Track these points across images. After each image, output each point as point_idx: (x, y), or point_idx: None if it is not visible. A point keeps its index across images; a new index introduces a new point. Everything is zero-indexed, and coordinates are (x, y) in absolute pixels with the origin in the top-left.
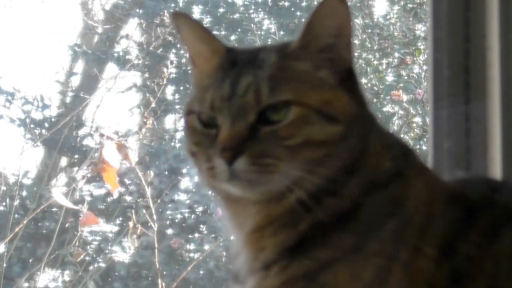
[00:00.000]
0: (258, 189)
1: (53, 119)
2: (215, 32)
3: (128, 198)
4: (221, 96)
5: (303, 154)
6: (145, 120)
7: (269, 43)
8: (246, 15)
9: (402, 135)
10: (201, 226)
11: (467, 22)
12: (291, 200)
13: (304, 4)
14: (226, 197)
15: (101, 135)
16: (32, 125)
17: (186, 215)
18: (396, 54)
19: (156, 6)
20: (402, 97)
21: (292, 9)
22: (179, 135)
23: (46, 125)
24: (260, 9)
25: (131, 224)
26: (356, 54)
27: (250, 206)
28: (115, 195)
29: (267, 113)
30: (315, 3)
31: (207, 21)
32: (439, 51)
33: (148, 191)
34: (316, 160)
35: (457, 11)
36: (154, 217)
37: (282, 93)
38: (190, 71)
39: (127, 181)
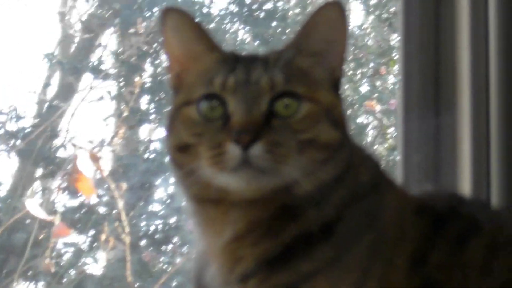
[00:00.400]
0: (264, 181)
1: (27, 130)
2: None
3: (101, 209)
4: (235, 80)
5: (309, 152)
6: (118, 130)
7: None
8: (222, 25)
9: (376, 146)
10: (174, 238)
11: (437, 35)
12: (279, 204)
13: (279, 14)
14: (207, 200)
15: (74, 146)
16: (6, 136)
17: (159, 227)
18: (371, 64)
19: (132, 15)
20: (375, 107)
21: (268, 19)
22: (153, 146)
23: (21, 135)
24: (235, 19)
25: (103, 236)
26: None
27: (233, 211)
28: (92, 201)
29: (277, 107)
30: (290, 13)
31: None
32: (410, 64)
33: (121, 202)
34: (317, 162)
35: (428, 24)
36: (127, 229)
37: (296, 85)
38: (170, 75)
39: (100, 192)
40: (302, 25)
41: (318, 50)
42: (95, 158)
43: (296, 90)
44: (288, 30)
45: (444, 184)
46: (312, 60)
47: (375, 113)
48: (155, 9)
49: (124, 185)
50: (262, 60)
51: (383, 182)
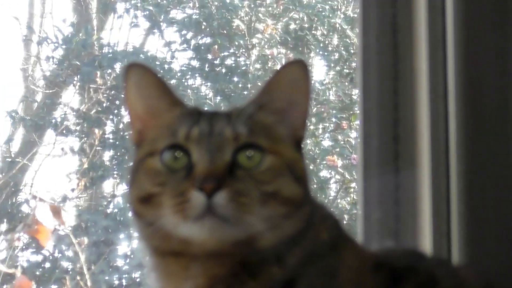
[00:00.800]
0: (226, 231)
1: None
2: None
3: (64, 264)
4: (200, 131)
5: (271, 205)
6: (80, 184)
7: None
8: (183, 80)
9: (338, 200)
10: None
11: (396, 92)
12: (240, 259)
13: (241, 69)
14: (168, 253)
15: (34, 197)
16: None
17: (124, 281)
18: (333, 119)
19: (92, 72)
20: (337, 162)
21: (229, 74)
22: (116, 200)
23: None
24: (196, 75)
25: None
26: None
27: (193, 265)
28: (54, 254)
29: (241, 158)
30: (251, 68)
31: None
32: (369, 122)
33: (82, 257)
34: (279, 216)
35: (386, 80)
36: (89, 283)
37: (259, 137)
38: (132, 131)
39: (63, 247)
40: (266, 82)
41: (280, 109)
42: (55, 210)
43: (259, 142)
44: (249, 86)
45: (405, 241)
46: (274, 117)
47: (336, 168)
48: (116, 65)
49: (86, 240)
50: (225, 114)
51: (342, 240)
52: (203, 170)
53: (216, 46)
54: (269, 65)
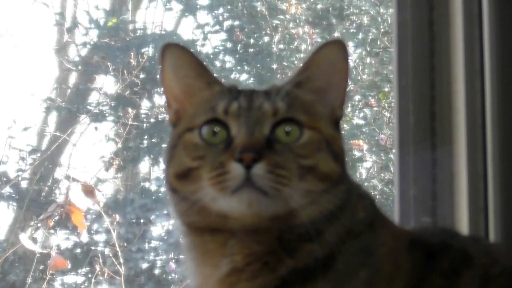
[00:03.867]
0: (265, 204)
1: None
2: None
3: (96, 244)
4: (239, 106)
5: (309, 180)
6: (115, 165)
7: None
8: (216, 62)
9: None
10: (171, 275)
11: (432, 69)
12: (277, 236)
13: (272, 51)
14: (205, 229)
15: (68, 177)
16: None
17: (158, 263)
18: (357, 97)
19: (126, 54)
20: (362, 146)
21: (261, 55)
22: (147, 184)
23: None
24: (229, 56)
25: (98, 272)
26: None
27: (231, 242)
28: (83, 237)
29: (279, 133)
30: (277, 48)
31: None
32: (405, 98)
33: (114, 236)
34: (317, 192)
35: (422, 57)
36: (122, 266)
37: (298, 113)
38: (169, 112)
39: (96, 227)
40: (304, 62)
41: (319, 88)
42: (88, 189)
43: (298, 117)
44: (276, 67)
45: (441, 218)
46: (313, 96)
47: (363, 152)
48: (149, 48)
49: (117, 219)
50: (265, 91)
51: (379, 219)
52: (242, 141)
53: (238, 30)
54: (295, 45)
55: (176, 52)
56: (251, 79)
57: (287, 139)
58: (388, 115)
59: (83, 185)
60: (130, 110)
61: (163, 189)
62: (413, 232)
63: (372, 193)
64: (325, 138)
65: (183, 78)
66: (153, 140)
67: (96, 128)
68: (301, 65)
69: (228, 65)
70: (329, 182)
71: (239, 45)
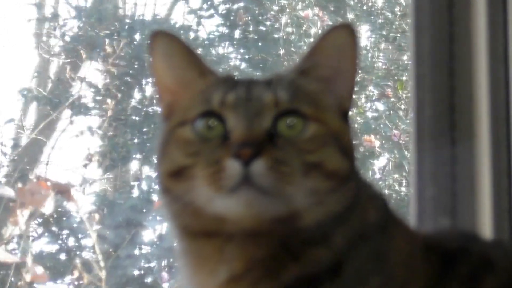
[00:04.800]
0: (265, 204)
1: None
2: None
3: (80, 253)
4: (236, 96)
5: (314, 178)
6: (96, 163)
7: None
8: (211, 48)
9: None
10: (164, 285)
11: (452, 56)
12: (279, 239)
13: (273, 35)
14: (200, 233)
15: (38, 178)
16: None
17: (150, 271)
18: (371, 87)
19: (111, 42)
20: (374, 142)
21: (261, 41)
22: (138, 184)
23: None
24: (226, 42)
25: (81, 282)
26: None
27: (229, 247)
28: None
29: (281, 126)
30: (283, 33)
31: None
32: (422, 89)
33: (95, 240)
34: (323, 191)
35: (441, 43)
36: (107, 273)
37: (302, 104)
38: (161, 105)
39: (80, 235)
40: (310, 48)
41: (325, 76)
42: (64, 190)
43: (302, 109)
44: (281, 53)
45: (462, 220)
46: (319, 85)
47: (375, 149)
48: (136, 35)
49: (107, 223)
50: (265, 80)
51: (392, 222)
52: (240, 135)
53: (241, 11)
54: (304, 29)
55: (166, 40)
56: (252, 67)
57: (290, 133)
58: (404, 108)
59: (55, 185)
60: (118, 102)
61: (154, 190)
62: (430, 236)
63: (386, 193)
64: (332, 131)
65: (174, 68)
66: (144, 136)
67: (71, 122)
68: (306, 51)
69: (228, 52)
70: (337, 180)
71: (237, 30)
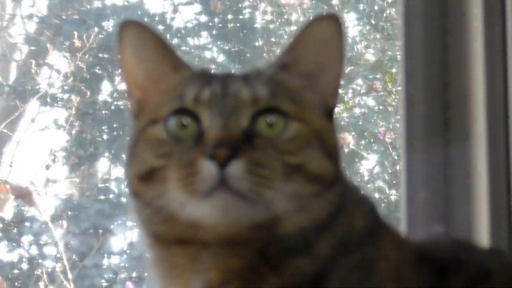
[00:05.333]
0: (243, 209)
1: None
2: None
3: (43, 262)
4: (211, 92)
5: (296, 181)
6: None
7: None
8: (188, 39)
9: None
10: None
11: (445, 48)
12: (259, 248)
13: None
14: (172, 241)
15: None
16: None
17: (119, 282)
18: (359, 81)
19: (79, 31)
20: (348, 140)
21: (243, 31)
22: (106, 186)
23: None
24: (203, 32)
25: None
26: None
27: (203, 256)
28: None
29: (260, 125)
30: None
31: None
32: (413, 84)
33: (62, 248)
34: (306, 196)
35: (434, 34)
36: (73, 284)
37: (282, 101)
38: (130, 102)
39: (41, 242)
40: (291, 40)
41: (308, 72)
42: (24, 194)
43: (282, 106)
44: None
45: (456, 228)
46: (301, 81)
47: (348, 146)
48: (105, 23)
49: (72, 229)
50: (242, 75)
51: (380, 228)
52: (215, 135)
53: None
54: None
55: (136, 30)
56: (231, 60)
57: (269, 133)
58: (394, 103)
59: (15, 188)
60: (86, 95)
61: (125, 192)
62: (422, 244)
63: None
64: (315, 131)
65: (145, 61)
66: (114, 132)
67: (33, 120)
68: (288, 44)
69: (203, 42)
70: (321, 184)
71: (216, 19)
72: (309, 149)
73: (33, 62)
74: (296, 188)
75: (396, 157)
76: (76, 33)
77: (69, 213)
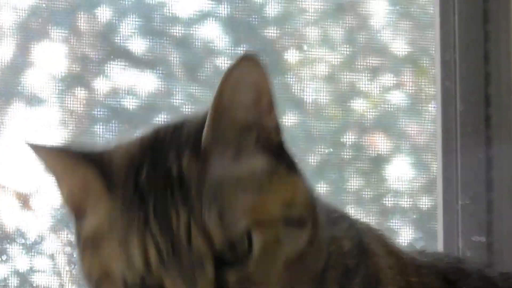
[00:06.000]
0: None
1: None
2: None
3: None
4: (158, 252)
5: (283, 280)
6: None
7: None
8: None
9: None
10: None
11: (487, 37)
12: None
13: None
14: None
15: None
16: None
17: None
18: (388, 75)
19: (72, 18)
20: (376, 141)
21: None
22: None
23: None
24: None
25: None
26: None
27: None
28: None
29: (228, 274)
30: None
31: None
32: (450, 77)
33: (60, 261)
34: (295, 280)
35: (474, 22)
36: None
37: (234, 220)
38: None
39: (39, 250)
40: (214, 103)
41: (246, 120)
42: (22, 199)
43: (240, 228)
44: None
45: (499, 238)
46: (244, 142)
47: (375, 148)
48: (99, 9)
49: (70, 240)
50: (169, 181)
51: (367, 240)
52: None
53: None
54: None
55: (46, 153)
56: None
57: (236, 267)
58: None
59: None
60: (80, 92)
61: None
62: (415, 254)
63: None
64: (280, 219)
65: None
66: (112, 133)
67: (25, 121)
68: (209, 107)
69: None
70: (305, 255)
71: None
72: (282, 247)
73: (21, 56)
74: (284, 285)
75: (430, 160)
76: (66, 23)
77: (66, 223)
